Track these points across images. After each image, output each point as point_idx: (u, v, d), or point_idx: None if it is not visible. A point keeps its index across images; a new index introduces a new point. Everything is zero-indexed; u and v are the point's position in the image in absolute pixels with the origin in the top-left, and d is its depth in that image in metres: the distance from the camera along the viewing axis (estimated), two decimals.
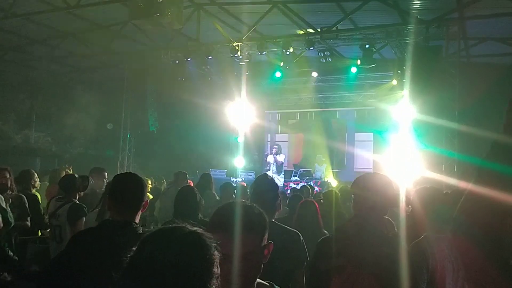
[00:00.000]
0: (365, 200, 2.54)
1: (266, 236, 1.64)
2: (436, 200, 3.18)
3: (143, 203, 2.62)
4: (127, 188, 2.62)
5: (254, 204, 1.70)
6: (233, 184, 8.18)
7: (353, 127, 16.32)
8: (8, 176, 5.10)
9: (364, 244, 2.33)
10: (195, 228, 1.21)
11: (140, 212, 2.63)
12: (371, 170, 14.74)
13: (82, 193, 4.91)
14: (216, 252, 1.18)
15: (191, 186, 4.25)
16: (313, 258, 2.59)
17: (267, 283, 1.72)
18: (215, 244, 1.19)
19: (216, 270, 1.16)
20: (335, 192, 6.11)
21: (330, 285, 2.36)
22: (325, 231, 4.29)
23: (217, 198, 6.64)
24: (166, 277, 1.10)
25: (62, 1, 9.90)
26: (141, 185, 2.64)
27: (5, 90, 14.51)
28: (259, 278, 1.68)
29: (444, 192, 3.56)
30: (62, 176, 7.15)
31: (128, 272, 1.14)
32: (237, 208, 1.63)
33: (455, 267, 2.79)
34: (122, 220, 2.53)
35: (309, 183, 11.97)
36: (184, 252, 1.13)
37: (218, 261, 1.18)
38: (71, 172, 7.39)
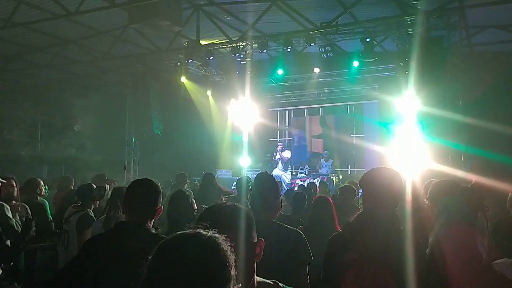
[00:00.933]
0: (371, 193, 2.59)
1: (252, 234, 1.62)
2: (454, 194, 3.14)
3: (157, 209, 2.63)
4: (141, 195, 2.62)
5: (236, 204, 1.69)
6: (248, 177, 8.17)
7: (358, 121, 16.25)
8: (14, 185, 5.12)
9: (372, 236, 2.33)
10: (211, 233, 1.23)
11: (153, 219, 2.63)
12: (379, 164, 14.69)
13: (98, 203, 4.93)
14: (233, 256, 1.20)
15: (181, 190, 4.31)
16: (325, 254, 2.59)
17: (271, 282, 1.71)
18: (231, 247, 1.21)
19: (233, 272, 1.18)
20: (351, 187, 6.07)
21: (343, 279, 2.35)
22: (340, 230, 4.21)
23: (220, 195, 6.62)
24: (186, 282, 1.11)
25: (62, 8, 9.92)
26: (156, 192, 2.65)
27: (9, 99, 14.58)
28: (262, 277, 1.67)
29: (462, 186, 3.49)
30: (67, 183, 7.22)
31: (148, 277, 1.15)
32: (215, 209, 1.66)
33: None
34: (135, 222, 2.55)
35: (316, 179, 11.98)
36: (204, 257, 1.15)
37: (234, 264, 1.20)
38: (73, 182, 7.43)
